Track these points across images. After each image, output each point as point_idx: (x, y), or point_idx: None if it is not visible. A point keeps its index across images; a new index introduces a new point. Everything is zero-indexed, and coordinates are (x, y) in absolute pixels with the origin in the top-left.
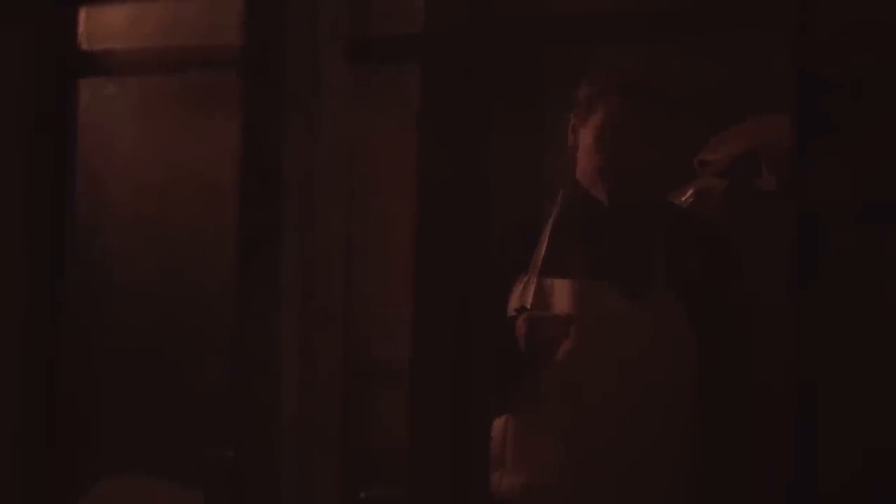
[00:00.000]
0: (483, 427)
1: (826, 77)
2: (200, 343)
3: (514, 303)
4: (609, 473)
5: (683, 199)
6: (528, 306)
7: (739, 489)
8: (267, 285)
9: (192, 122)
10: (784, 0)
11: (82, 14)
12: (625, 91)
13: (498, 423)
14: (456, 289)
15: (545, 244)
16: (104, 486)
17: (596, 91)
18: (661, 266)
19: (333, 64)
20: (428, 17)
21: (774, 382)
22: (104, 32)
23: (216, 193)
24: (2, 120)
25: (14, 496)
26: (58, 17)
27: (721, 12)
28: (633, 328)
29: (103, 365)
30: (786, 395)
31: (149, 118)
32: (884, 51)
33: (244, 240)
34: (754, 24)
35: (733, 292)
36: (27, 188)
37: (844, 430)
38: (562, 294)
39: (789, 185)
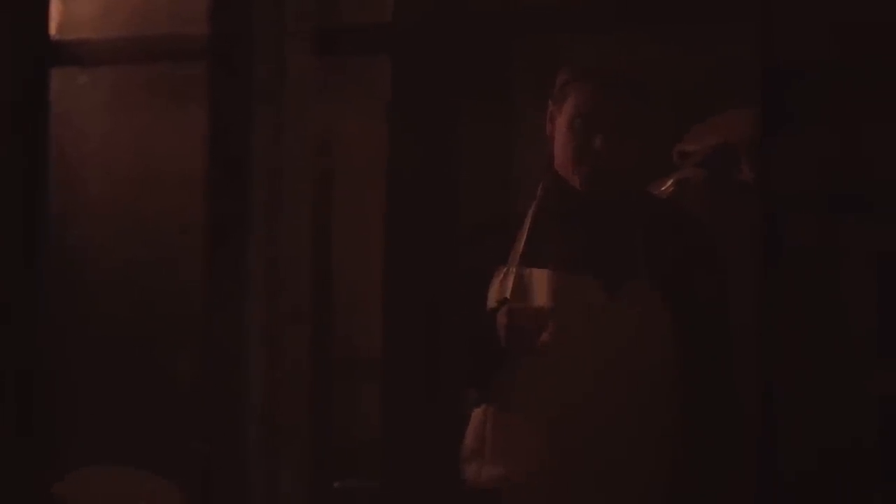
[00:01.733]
0: (455, 418)
1: (789, 69)
2: (175, 333)
3: (493, 294)
4: (589, 464)
5: (663, 189)
6: (508, 297)
7: (718, 479)
8: (234, 276)
9: (164, 111)
10: None
11: (54, 3)
12: (596, 79)
13: (476, 414)
14: (426, 280)
15: (525, 235)
16: (77, 474)
17: (569, 78)
18: (639, 257)
19: (301, 55)
20: (397, 8)
21: (747, 373)
22: (76, 21)
23: (189, 183)
24: None
25: None
26: (29, 6)
27: (692, 3)
28: (611, 319)
29: (77, 354)
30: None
31: (121, 108)
32: (847, 43)
33: (211, 230)
34: (725, 15)
35: (710, 282)
36: None
37: (806, 421)
38: (540, 285)
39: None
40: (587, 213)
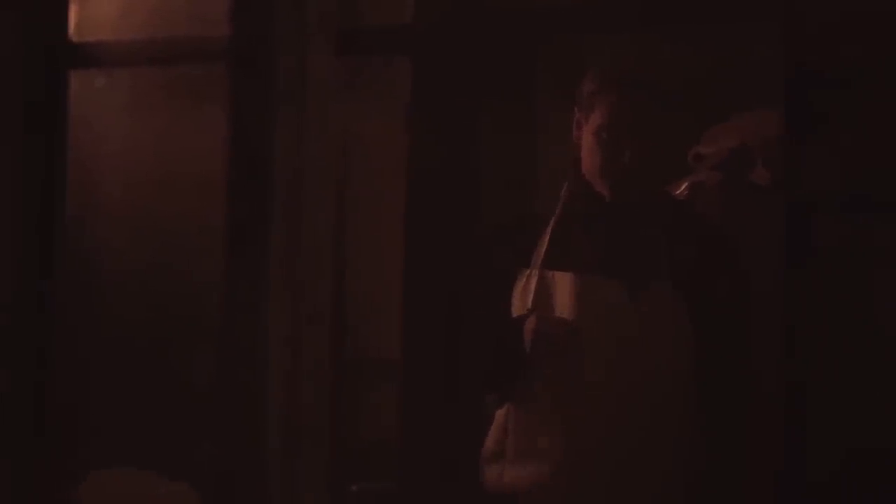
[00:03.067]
0: (473, 420)
1: (815, 70)
2: (192, 335)
3: (517, 298)
4: (608, 466)
5: (678, 192)
6: (531, 301)
7: (735, 481)
8: (254, 277)
9: (183, 113)
10: None
11: (73, 5)
12: (622, 89)
13: (498, 416)
14: (446, 281)
15: (548, 238)
16: (94, 476)
17: (595, 88)
18: (662, 259)
19: (322, 55)
20: (417, 8)
21: (770, 375)
22: (95, 23)
23: (207, 185)
24: None
25: (3, 489)
26: (48, 8)
27: (715, 4)
28: (634, 322)
29: (93, 358)
30: (777, 387)
31: (139, 110)
32: (872, 43)
33: (232, 232)
34: (747, 16)
35: (732, 286)
36: (16, 181)
37: (833, 421)
38: (563, 288)
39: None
40: (612, 218)
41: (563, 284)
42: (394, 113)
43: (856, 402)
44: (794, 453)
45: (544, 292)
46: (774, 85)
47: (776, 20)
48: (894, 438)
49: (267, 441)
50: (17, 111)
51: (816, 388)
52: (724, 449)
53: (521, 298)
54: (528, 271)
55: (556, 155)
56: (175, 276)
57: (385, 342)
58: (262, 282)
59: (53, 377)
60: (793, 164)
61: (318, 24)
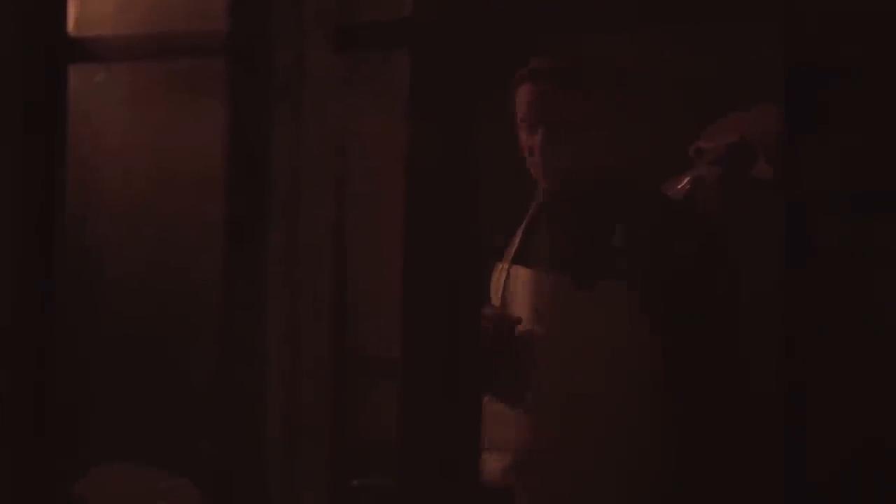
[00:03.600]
0: (473, 416)
1: (816, 66)
2: (191, 332)
3: (493, 293)
4: (566, 458)
5: (679, 187)
6: (499, 296)
7: (708, 477)
8: (253, 274)
9: (183, 108)
10: None
11: (71, 0)
12: (531, 79)
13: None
14: (445, 278)
15: (520, 232)
16: (94, 471)
17: (512, 82)
18: (618, 255)
19: (320, 50)
20: (416, 3)
21: (770, 374)
22: (94, 18)
23: (207, 181)
24: None
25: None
26: (46, 4)
27: (714, 1)
28: (583, 317)
29: (92, 355)
30: (777, 386)
31: (138, 105)
32: (874, 40)
33: (231, 229)
34: (747, 13)
35: (712, 281)
36: (16, 176)
37: (833, 421)
38: (522, 283)
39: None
40: (554, 211)
41: (522, 280)
42: (392, 110)
43: (856, 401)
44: (794, 453)
45: (509, 287)
46: (776, 82)
47: (777, 17)
48: (895, 437)
49: (266, 439)
50: (17, 108)
51: (816, 387)
52: (703, 449)
53: (495, 293)
54: (500, 265)
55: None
56: (173, 273)
57: (385, 340)
58: (262, 279)
59: (53, 376)
60: (793, 162)
61: (315, 19)
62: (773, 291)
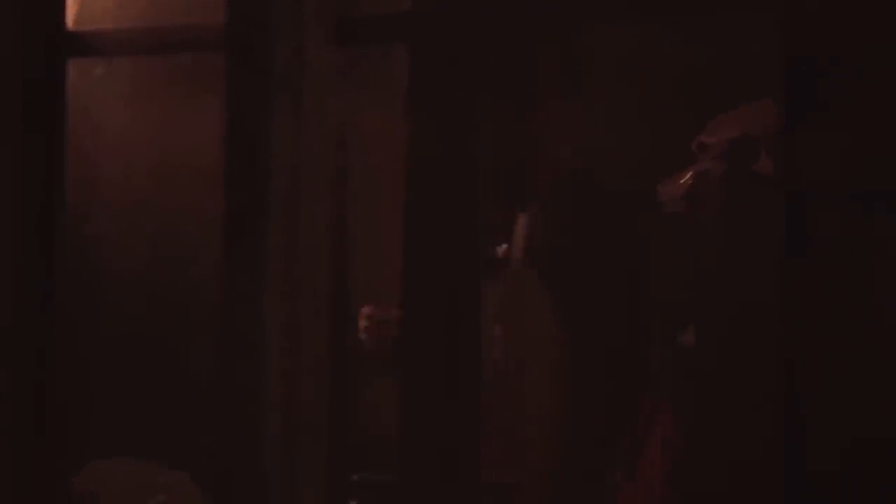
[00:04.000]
0: (473, 413)
1: (815, 59)
2: (191, 328)
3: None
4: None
5: (682, 181)
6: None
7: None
8: (253, 270)
9: (182, 102)
10: None
11: None
12: None
13: None
14: (445, 274)
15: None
16: (96, 465)
17: None
18: (521, 244)
19: (319, 45)
20: None
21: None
22: (93, 13)
23: (207, 175)
24: None
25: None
26: None
27: None
28: (497, 304)
29: (91, 351)
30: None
31: (138, 99)
32: (872, 32)
33: (230, 224)
34: (749, 6)
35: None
36: (15, 172)
37: (833, 415)
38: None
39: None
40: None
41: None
42: (392, 104)
43: (855, 394)
44: (794, 448)
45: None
46: (777, 76)
47: (776, 10)
48: (894, 431)
49: (266, 435)
50: (17, 103)
51: (816, 380)
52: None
53: None
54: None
55: (556, 145)
56: (175, 267)
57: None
58: (261, 275)
59: (53, 376)
60: (792, 155)
61: (315, 14)
62: (774, 286)
